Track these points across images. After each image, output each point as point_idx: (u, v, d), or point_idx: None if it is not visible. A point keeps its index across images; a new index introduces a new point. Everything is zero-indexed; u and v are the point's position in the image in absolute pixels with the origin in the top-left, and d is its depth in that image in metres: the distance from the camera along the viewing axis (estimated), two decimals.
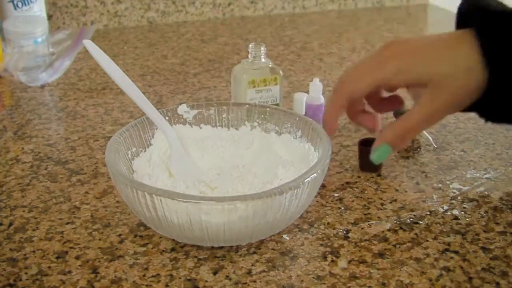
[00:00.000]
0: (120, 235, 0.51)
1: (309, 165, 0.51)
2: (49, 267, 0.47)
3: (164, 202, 0.43)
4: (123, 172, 0.49)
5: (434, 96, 0.46)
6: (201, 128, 0.60)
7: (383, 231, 0.51)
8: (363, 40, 1.10)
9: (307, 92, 0.72)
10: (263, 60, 0.68)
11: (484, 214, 0.54)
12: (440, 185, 0.59)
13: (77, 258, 0.48)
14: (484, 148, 0.67)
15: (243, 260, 0.47)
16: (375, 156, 0.50)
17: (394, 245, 0.49)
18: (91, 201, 0.56)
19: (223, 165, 0.56)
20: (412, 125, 0.48)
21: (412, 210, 0.55)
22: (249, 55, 0.68)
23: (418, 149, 0.67)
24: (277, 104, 0.69)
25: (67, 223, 0.53)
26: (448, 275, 0.46)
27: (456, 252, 0.48)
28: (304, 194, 0.46)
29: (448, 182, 0.59)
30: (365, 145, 0.59)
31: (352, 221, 0.53)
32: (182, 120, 0.59)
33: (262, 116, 0.59)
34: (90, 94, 0.84)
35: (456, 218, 0.53)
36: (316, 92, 0.71)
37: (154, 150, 0.56)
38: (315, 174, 0.46)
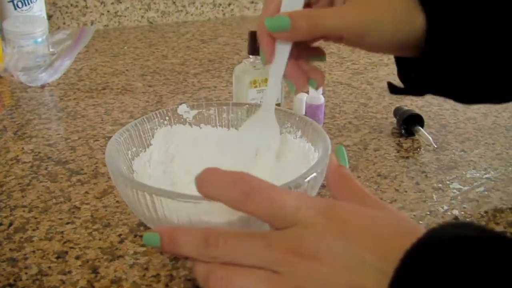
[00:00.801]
0: (120, 235, 0.51)
1: (309, 165, 0.51)
2: (49, 267, 0.47)
3: (164, 202, 0.43)
4: (123, 172, 0.49)
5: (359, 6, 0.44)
6: (201, 128, 0.60)
7: None
8: None
9: (307, 92, 0.72)
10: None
11: (484, 214, 0.54)
12: (440, 185, 0.59)
13: (77, 258, 0.48)
14: (484, 148, 0.67)
15: None
16: (269, 21, 0.46)
17: None
18: (91, 201, 0.56)
19: (223, 165, 0.56)
20: (322, 15, 0.45)
21: (412, 210, 0.55)
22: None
23: (418, 149, 0.67)
24: (278, 104, 0.69)
25: (67, 223, 0.53)
26: None
27: None
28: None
29: (448, 182, 0.59)
30: None
31: None
32: (182, 120, 0.59)
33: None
34: (90, 94, 0.84)
35: (456, 218, 0.53)
36: (316, 92, 0.71)
37: (154, 150, 0.56)
38: (314, 174, 0.46)
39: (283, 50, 0.48)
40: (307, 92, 0.72)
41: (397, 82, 0.50)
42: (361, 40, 0.45)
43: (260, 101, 0.69)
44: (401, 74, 0.49)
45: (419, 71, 0.46)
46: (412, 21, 0.44)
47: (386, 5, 0.44)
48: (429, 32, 0.43)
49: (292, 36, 0.46)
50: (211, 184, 0.37)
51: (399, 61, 0.49)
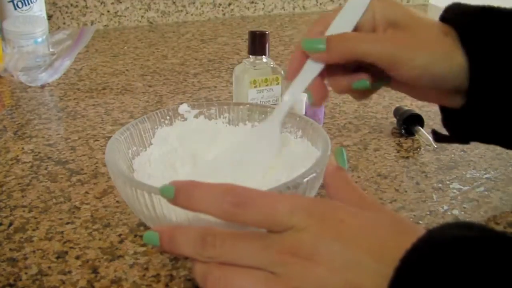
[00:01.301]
0: (120, 235, 0.51)
1: (308, 165, 0.51)
2: (49, 267, 0.47)
3: (163, 201, 0.43)
4: (122, 171, 0.49)
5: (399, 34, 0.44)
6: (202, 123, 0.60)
7: None
8: None
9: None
10: (264, 60, 0.68)
11: (484, 214, 0.54)
12: (440, 185, 0.59)
13: (77, 258, 0.48)
14: (484, 148, 0.67)
15: None
16: (305, 42, 0.46)
17: None
18: (91, 201, 0.56)
19: (222, 165, 0.56)
20: (357, 39, 0.45)
21: (412, 210, 0.55)
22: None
23: (418, 149, 0.67)
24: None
25: (67, 223, 0.53)
26: None
27: None
28: (303, 193, 0.46)
29: (448, 182, 0.59)
30: None
31: None
32: (183, 119, 0.59)
33: (263, 116, 0.59)
34: (90, 94, 0.84)
35: (456, 218, 0.53)
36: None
37: (155, 149, 0.56)
38: (314, 174, 0.46)
39: (312, 69, 0.47)
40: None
41: (441, 129, 0.50)
42: (395, 71, 0.44)
43: (263, 102, 0.69)
44: (445, 121, 0.49)
45: (463, 119, 0.46)
46: (450, 59, 0.43)
47: (424, 35, 0.44)
48: (473, 76, 0.42)
49: (325, 58, 0.46)
50: (199, 198, 0.37)
51: (443, 108, 0.49)
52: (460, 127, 0.48)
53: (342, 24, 0.47)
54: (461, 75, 0.43)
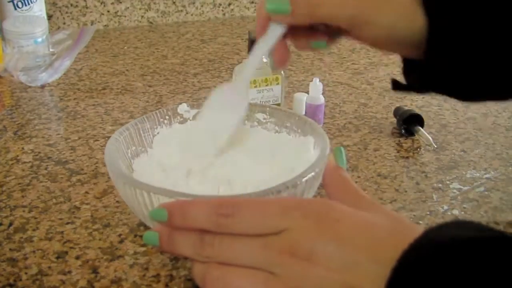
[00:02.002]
0: (120, 235, 0.51)
1: (307, 164, 0.51)
2: (49, 267, 0.47)
3: (162, 200, 0.43)
4: (121, 171, 0.49)
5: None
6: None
7: None
8: None
9: (307, 92, 0.72)
10: (264, 60, 0.68)
11: (484, 214, 0.54)
12: (440, 185, 0.59)
13: (77, 258, 0.48)
14: (484, 148, 0.67)
15: None
16: (270, 3, 0.46)
17: None
18: (91, 201, 0.56)
19: (220, 164, 0.56)
20: (321, 2, 0.45)
21: (412, 210, 0.55)
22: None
23: (418, 149, 0.67)
24: (278, 104, 0.70)
25: (67, 223, 0.53)
26: None
27: None
28: (302, 193, 0.46)
29: (448, 182, 0.59)
30: None
31: None
32: (182, 119, 0.59)
33: (263, 115, 0.59)
34: (90, 94, 0.84)
35: (456, 218, 0.53)
36: (316, 92, 0.71)
37: (154, 149, 0.56)
38: (313, 173, 0.46)
39: (275, 31, 0.48)
40: (307, 92, 0.72)
41: (400, 80, 0.50)
42: (358, 32, 0.45)
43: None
44: (405, 71, 0.49)
45: (422, 70, 0.46)
46: (412, 19, 0.44)
47: (385, 0, 0.44)
48: (431, 31, 0.43)
49: (290, 20, 0.46)
50: (194, 216, 0.37)
51: (404, 59, 0.49)
52: (417, 77, 0.48)
53: None
54: (423, 32, 0.43)
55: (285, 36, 0.48)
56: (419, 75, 0.47)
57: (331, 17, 0.45)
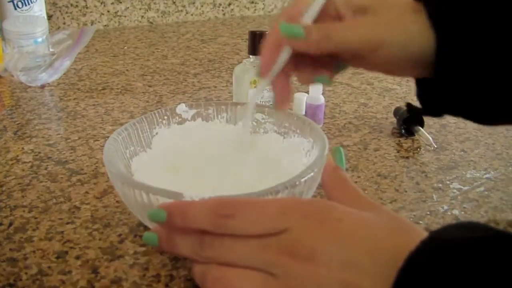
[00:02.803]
0: (120, 235, 0.51)
1: (306, 164, 0.51)
2: (49, 267, 0.47)
3: (161, 201, 0.43)
4: (120, 171, 0.49)
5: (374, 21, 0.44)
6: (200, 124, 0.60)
7: None
8: None
9: (307, 92, 0.72)
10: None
11: (484, 214, 0.54)
12: (440, 185, 0.59)
13: (77, 258, 0.48)
14: (484, 148, 0.67)
15: None
16: (284, 26, 0.45)
17: None
18: (91, 201, 0.56)
19: (219, 164, 0.56)
20: (334, 28, 0.44)
21: (412, 210, 0.55)
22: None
23: (418, 149, 0.67)
24: None
25: (67, 223, 0.53)
26: None
27: None
28: (301, 193, 0.46)
29: (448, 182, 0.59)
30: None
31: None
32: (181, 119, 0.59)
33: (262, 115, 0.59)
34: (90, 94, 0.84)
35: (456, 218, 0.53)
36: (316, 92, 0.71)
37: (153, 150, 0.56)
38: (311, 174, 0.46)
39: (283, 58, 0.47)
40: (307, 92, 0.72)
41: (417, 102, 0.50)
42: (373, 55, 0.44)
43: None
44: (419, 94, 0.49)
45: (435, 91, 0.46)
46: (423, 38, 0.43)
47: (397, 19, 0.44)
48: (439, 47, 0.43)
49: (303, 45, 0.45)
50: (193, 216, 0.37)
51: (418, 81, 0.49)
52: (432, 100, 0.47)
53: (311, 15, 0.46)
54: (432, 51, 0.43)
55: (288, 70, 0.47)
56: (433, 97, 0.46)
57: (346, 40, 0.44)
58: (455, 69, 0.43)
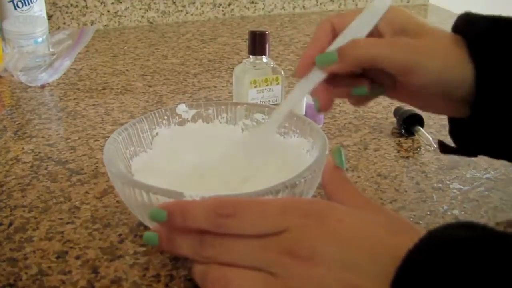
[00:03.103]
0: (120, 235, 0.51)
1: (306, 164, 0.51)
2: (49, 267, 0.47)
3: (161, 200, 0.43)
4: (120, 171, 0.49)
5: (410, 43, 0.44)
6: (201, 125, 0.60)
7: None
8: None
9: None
10: (264, 60, 0.68)
11: (484, 214, 0.54)
12: (440, 185, 0.59)
13: (77, 258, 0.48)
14: None
15: None
16: (319, 57, 0.45)
17: None
18: (91, 201, 0.56)
19: (220, 164, 0.56)
20: (370, 44, 0.44)
21: (412, 210, 0.55)
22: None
23: (418, 149, 0.67)
24: (278, 104, 0.70)
25: (67, 223, 0.53)
26: None
27: None
28: (301, 193, 0.46)
29: (448, 182, 0.59)
30: None
31: None
32: (181, 119, 0.59)
33: (261, 115, 0.59)
34: (90, 94, 0.84)
35: (456, 218, 0.53)
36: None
37: (153, 149, 0.56)
38: (312, 174, 0.46)
39: (317, 77, 0.46)
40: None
41: (448, 140, 0.49)
42: (408, 76, 0.44)
43: (264, 102, 0.69)
44: (452, 132, 0.48)
45: (470, 130, 0.45)
46: (461, 68, 0.43)
47: (436, 45, 0.44)
48: (479, 79, 0.42)
49: (336, 68, 0.45)
50: (193, 216, 0.37)
51: (451, 119, 0.48)
52: (466, 139, 0.47)
53: (355, 33, 0.46)
54: (471, 84, 0.43)
55: (325, 82, 0.47)
56: (468, 135, 0.46)
57: (380, 59, 0.43)
58: (494, 103, 0.42)
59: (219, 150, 0.57)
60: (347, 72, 0.46)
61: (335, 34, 0.47)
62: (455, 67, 0.43)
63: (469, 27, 0.44)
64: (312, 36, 0.48)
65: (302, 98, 0.48)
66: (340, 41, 0.46)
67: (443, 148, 0.50)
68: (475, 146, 0.47)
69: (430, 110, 0.50)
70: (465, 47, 0.43)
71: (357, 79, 0.47)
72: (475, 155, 0.49)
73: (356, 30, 0.46)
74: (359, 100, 0.50)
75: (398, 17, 0.46)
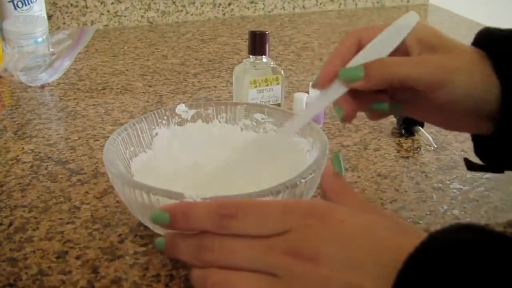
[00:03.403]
0: (120, 235, 0.51)
1: (306, 165, 0.51)
2: (49, 267, 0.47)
3: (162, 201, 0.43)
4: (120, 171, 0.49)
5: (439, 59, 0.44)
6: (201, 126, 0.60)
7: None
8: None
9: (307, 92, 0.72)
10: (264, 60, 0.68)
11: (484, 214, 0.54)
12: (440, 185, 0.59)
13: (77, 258, 0.48)
14: None
15: None
16: (343, 71, 0.46)
17: None
18: (91, 201, 0.56)
19: (219, 165, 0.56)
20: (397, 63, 0.44)
21: (412, 210, 0.55)
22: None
23: (418, 149, 0.67)
24: (278, 104, 0.70)
25: (67, 223, 0.53)
26: None
27: None
28: (301, 194, 0.46)
29: (448, 182, 0.59)
30: None
31: None
32: (180, 119, 0.59)
33: (261, 115, 0.59)
34: (90, 94, 0.84)
35: (456, 218, 0.53)
36: (316, 92, 0.71)
37: (153, 150, 0.56)
38: (312, 174, 0.46)
39: (339, 90, 0.47)
40: (307, 92, 0.72)
41: (473, 157, 0.50)
42: (437, 93, 0.44)
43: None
44: (477, 151, 0.49)
45: (495, 147, 0.45)
46: (487, 85, 0.43)
47: (464, 61, 0.44)
48: (505, 102, 0.42)
49: (363, 85, 0.45)
50: (196, 218, 0.37)
51: (475, 136, 0.48)
52: (492, 156, 0.47)
53: (380, 48, 0.46)
54: (496, 100, 0.43)
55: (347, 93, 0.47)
56: (494, 152, 0.46)
57: (407, 77, 0.44)
58: None
59: (220, 151, 0.57)
60: (372, 89, 0.46)
61: (359, 48, 0.47)
62: (482, 82, 0.43)
63: (492, 43, 0.44)
64: (336, 47, 0.48)
65: (322, 110, 0.48)
66: (364, 56, 0.46)
67: (470, 165, 0.50)
68: (501, 162, 0.47)
69: (450, 126, 0.50)
70: (489, 63, 0.43)
71: (378, 94, 0.48)
72: (502, 172, 0.49)
73: (382, 45, 0.46)
74: (377, 115, 0.50)
75: (425, 33, 0.46)
